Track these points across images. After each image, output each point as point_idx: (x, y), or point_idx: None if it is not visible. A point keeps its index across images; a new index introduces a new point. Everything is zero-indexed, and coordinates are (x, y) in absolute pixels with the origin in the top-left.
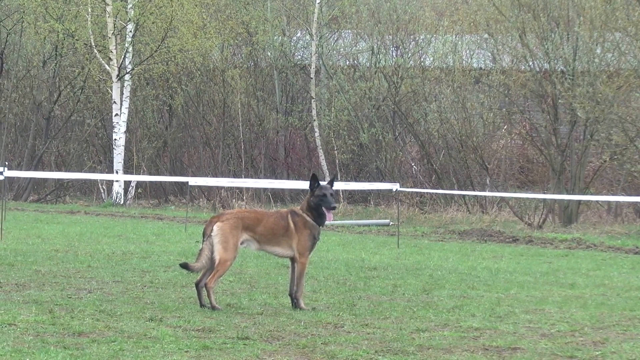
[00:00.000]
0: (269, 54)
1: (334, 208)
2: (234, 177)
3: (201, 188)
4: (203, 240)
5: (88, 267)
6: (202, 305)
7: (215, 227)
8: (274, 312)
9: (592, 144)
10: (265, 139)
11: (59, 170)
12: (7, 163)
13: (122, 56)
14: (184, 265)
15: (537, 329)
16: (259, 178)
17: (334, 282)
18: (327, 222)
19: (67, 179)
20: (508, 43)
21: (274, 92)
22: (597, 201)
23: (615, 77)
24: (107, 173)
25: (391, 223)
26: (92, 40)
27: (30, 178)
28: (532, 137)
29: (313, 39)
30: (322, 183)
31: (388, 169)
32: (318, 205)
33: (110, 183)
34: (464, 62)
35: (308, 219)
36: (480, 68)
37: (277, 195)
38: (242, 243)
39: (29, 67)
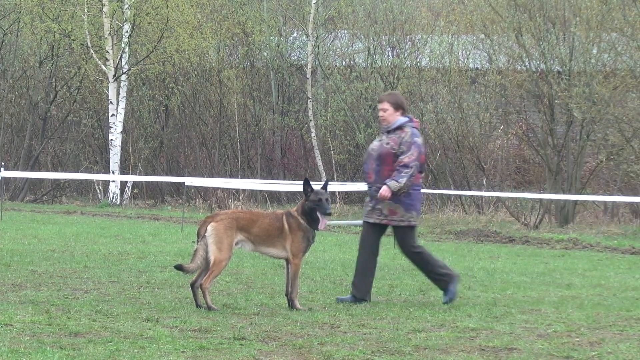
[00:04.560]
0: (265, 54)
1: (329, 214)
2: (230, 178)
3: (197, 188)
4: (197, 241)
5: (84, 267)
6: (198, 305)
7: (209, 228)
8: (271, 312)
9: (588, 144)
10: (261, 139)
11: (56, 170)
12: (3, 163)
13: (119, 56)
14: (179, 267)
15: (533, 329)
16: (255, 178)
17: (330, 283)
18: (320, 228)
19: (63, 179)
20: (504, 43)
21: (270, 93)
22: (593, 201)
23: (611, 78)
24: (103, 173)
25: None
26: (88, 41)
27: (27, 178)
28: (529, 138)
29: (309, 39)
30: (316, 188)
31: None
32: (312, 210)
33: (106, 183)
34: (460, 62)
35: (302, 221)
36: (477, 68)
37: (274, 196)
38: (236, 244)
39: (25, 68)
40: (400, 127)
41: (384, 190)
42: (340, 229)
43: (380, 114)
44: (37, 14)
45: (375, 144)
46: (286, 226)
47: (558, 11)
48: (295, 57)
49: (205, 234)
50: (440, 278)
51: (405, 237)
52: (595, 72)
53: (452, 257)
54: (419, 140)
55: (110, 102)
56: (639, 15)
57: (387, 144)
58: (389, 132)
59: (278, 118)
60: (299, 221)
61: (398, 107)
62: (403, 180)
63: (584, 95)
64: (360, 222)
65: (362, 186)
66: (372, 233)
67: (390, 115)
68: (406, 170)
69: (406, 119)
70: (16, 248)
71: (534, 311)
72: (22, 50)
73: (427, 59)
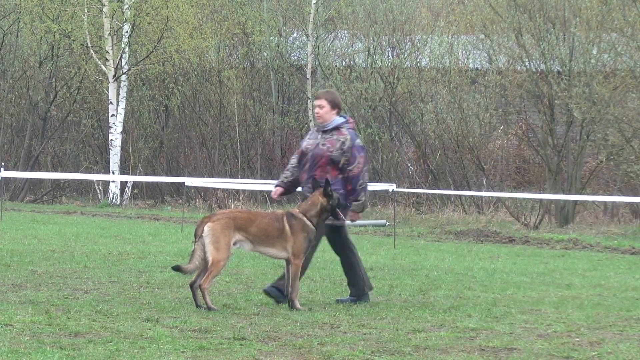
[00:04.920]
0: (265, 54)
1: (348, 207)
2: (230, 178)
3: (197, 188)
4: (195, 241)
5: (84, 267)
6: (198, 305)
7: (206, 228)
8: (271, 312)
9: (588, 145)
10: (261, 139)
11: (55, 170)
12: (3, 163)
13: (119, 57)
14: (177, 268)
15: (533, 329)
16: (255, 178)
17: (330, 283)
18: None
19: (63, 180)
20: (504, 43)
21: (270, 93)
22: (593, 201)
23: (611, 78)
24: (103, 173)
25: (387, 224)
26: (88, 41)
27: (27, 178)
28: (529, 138)
29: (309, 40)
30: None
31: (384, 170)
32: (334, 209)
33: (106, 183)
34: (460, 62)
35: (307, 222)
36: (477, 68)
37: None
38: (235, 243)
39: (25, 68)
40: (337, 128)
41: (353, 216)
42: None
43: (316, 110)
44: (37, 14)
45: (309, 142)
46: (287, 227)
47: (558, 11)
48: (295, 57)
49: (202, 234)
50: (355, 283)
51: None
52: (595, 73)
53: (452, 257)
54: (359, 141)
55: (110, 102)
56: (639, 16)
57: (323, 145)
58: (324, 131)
59: (278, 118)
60: (304, 222)
61: (335, 105)
62: (363, 197)
63: (584, 95)
64: (361, 222)
65: None
66: (332, 232)
67: (327, 113)
68: (360, 183)
69: (343, 119)
70: (16, 248)
71: (534, 311)
72: (22, 51)
73: (427, 59)
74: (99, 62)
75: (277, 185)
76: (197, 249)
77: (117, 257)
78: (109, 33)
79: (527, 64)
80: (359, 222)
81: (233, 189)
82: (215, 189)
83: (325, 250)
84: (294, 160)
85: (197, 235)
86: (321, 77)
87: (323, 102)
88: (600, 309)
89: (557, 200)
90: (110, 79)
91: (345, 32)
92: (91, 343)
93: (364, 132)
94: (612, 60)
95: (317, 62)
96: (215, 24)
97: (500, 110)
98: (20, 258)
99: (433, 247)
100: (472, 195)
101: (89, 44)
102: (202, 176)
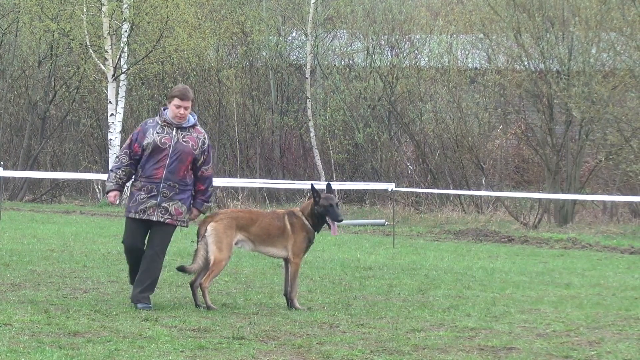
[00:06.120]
0: (264, 53)
1: (341, 220)
2: (230, 177)
3: None
4: (197, 241)
5: (83, 267)
6: (197, 305)
7: (209, 228)
8: (270, 312)
9: (587, 144)
10: (260, 138)
11: (55, 170)
12: (2, 163)
13: (118, 56)
14: (181, 269)
15: (532, 328)
16: (254, 178)
17: (329, 282)
18: (333, 234)
19: (62, 179)
20: (503, 43)
21: (269, 92)
22: (592, 201)
23: (610, 77)
24: (102, 173)
25: (387, 223)
26: (87, 40)
27: (26, 178)
28: (528, 137)
29: (308, 39)
30: (326, 193)
31: (383, 169)
32: (323, 215)
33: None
34: (459, 62)
35: (306, 222)
36: (476, 68)
37: (273, 195)
38: (236, 243)
39: (25, 67)
40: (193, 126)
41: (196, 215)
42: (340, 228)
43: (182, 111)
44: (36, 14)
45: (163, 137)
46: (288, 226)
47: (557, 11)
48: (294, 56)
49: (205, 234)
50: (151, 287)
51: (169, 236)
52: (594, 72)
53: (451, 257)
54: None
55: (109, 102)
56: (638, 15)
57: (186, 142)
58: (181, 128)
59: (277, 118)
60: (303, 222)
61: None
62: (212, 198)
63: (583, 94)
64: (360, 221)
65: (361, 185)
66: (143, 230)
67: (189, 113)
68: (211, 186)
69: (194, 115)
70: (15, 247)
71: (533, 311)
72: (21, 50)
73: (426, 58)
74: (98, 61)
75: (111, 190)
76: (200, 248)
77: (116, 257)
78: (108, 32)
79: (526, 63)
80: (358, 221)
81: (232, 189)
82: (214, 189)
83: (324, 250)
84: (125, 158)
85: (200, 235)
86: (320, 77)
87: (189, 103)
88: (599, 309)
89: (556, 200)
90: (110, 79)
91: (345, 31)
92: (90, 342)
93: (363, 131)
94: (611, 60)
95: (316, 62)
96: (214, 24)
97: (500, 109)
98: (20, 257)
99: (432, 246)
100: (471, 195)
101: (88, 44)
102: None
